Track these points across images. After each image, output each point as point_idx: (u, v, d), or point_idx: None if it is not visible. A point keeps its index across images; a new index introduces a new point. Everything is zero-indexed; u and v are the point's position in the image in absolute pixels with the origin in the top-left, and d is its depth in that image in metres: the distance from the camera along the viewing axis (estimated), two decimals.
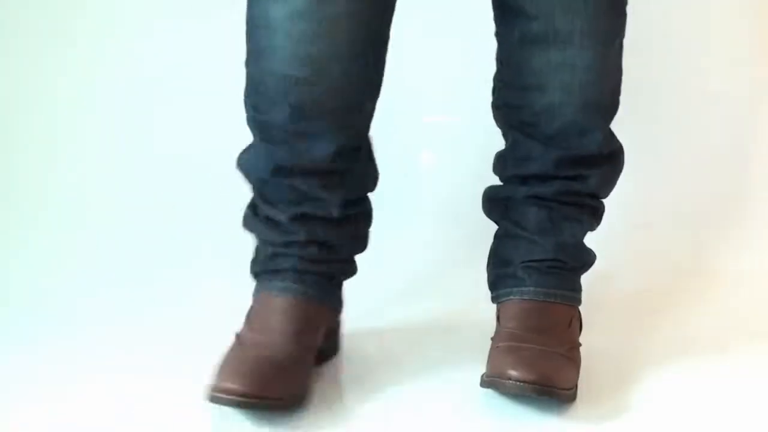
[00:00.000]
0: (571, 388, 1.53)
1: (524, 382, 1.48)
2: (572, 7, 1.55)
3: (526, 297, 1.61)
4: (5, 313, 1.84)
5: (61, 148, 2.22)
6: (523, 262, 1.62)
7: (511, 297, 1.62)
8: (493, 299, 1.66)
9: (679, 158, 2.18)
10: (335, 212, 1.59)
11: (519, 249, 1.63)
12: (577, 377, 1.56)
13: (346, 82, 1.52)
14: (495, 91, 1.65)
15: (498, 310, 1.63)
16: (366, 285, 1.82)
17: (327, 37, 1.49)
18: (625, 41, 1.61)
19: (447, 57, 2.17)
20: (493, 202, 1.67)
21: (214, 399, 1.47)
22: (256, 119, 1.56)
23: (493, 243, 1.68)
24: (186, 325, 1.61)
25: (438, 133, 2.20)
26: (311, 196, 1.58)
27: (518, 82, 1.59)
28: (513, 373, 1.49)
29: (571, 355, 1.57)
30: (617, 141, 1.65)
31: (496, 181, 1.69)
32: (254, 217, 1.62)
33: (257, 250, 1.63)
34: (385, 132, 1.94)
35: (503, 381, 1.49)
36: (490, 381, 1.51)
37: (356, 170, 1.60)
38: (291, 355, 1.52)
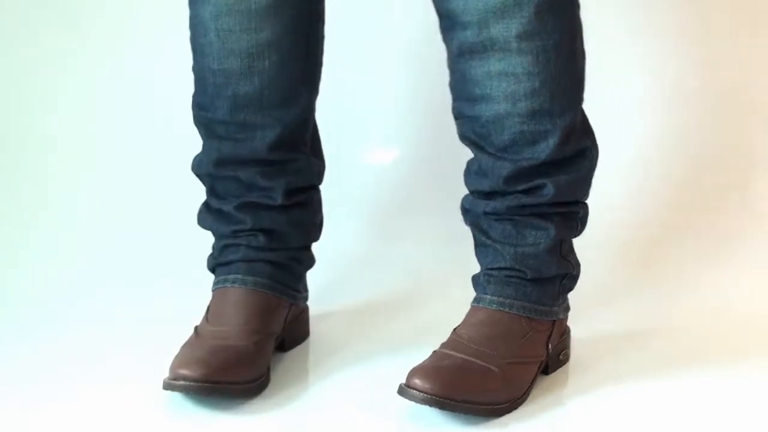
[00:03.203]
0: (481, 403, 1.49)
1: (423, 392, 1.46)
2: (506, 12, 1.49)
3: (482, 305, 1.59)
4: (4, 314, 1.85)
5: (61, 149, 2.22)
6: (486, 270, 1.61)
7: (473, 303, 1.60)
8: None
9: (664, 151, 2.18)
10: (279, 200, 1.63)
11: (487, 256, 1.61)
12: (510, 392, 1.52)
13: (278, 73, 1.58)
14: (453, 101, 1.59)
15: None
16: (340, 272, 1.92)
17: (254, 30, 1.56)
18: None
19: (425, 55, 2.16)
20: (466, 212, 1.64)
21: (169, 386, 1.49)
22: (200, 117, 1.62)
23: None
24: (186, 326, 1.64)
25: (413, 131, 2.21)
26: (255, 185, 1.63)
27: (465, 93, 1.55)
28: (417, 382, 1.47)
29: (506, 369, 1.52)
30: (582, 139, 1.58)
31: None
32: (207, 212, 1.67)
33: (213, 246, 1.68)
34: (366, 129, 1.98)
35: (409, 390, 1.48)
36: (399, 388, 1.49)
37: (299, 161, 1.64)
38: (245, 343, 1.55)
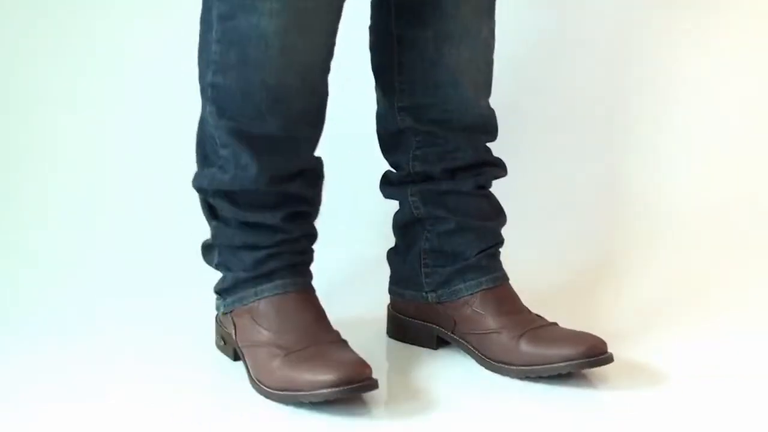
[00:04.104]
0: None
1: (573, 359, 1.54)
2: (480, 7, 1.63)
3: (498, 283, 1.66)
4: (7, 316, 1.86)
5: (62, 150, 2.23)
6: (480, 252, 1.67)
7: (482, 287, 1.66)
8: (449, 295, 1.67)
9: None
10: (318, 204, 1.64)
11: (472, 240, 1.67)
12: None
13: (320, 85, 1.57)
14: (395, 93, 1.66)
15: (462, 304, 1.66)
16: (340, 273, 1.98)
17: (312, 48, 1.52)
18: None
19: None
20: (435, 199, 1.69)
21: (316, 397, 1.47)
22: (238, 129, 1.55)
23: (430, 242, 1.69)
24: (186, 325, 1.65)
25: None
26: (301, 195, 1.61)
27: (430, 79, 1.64)
28: (566, 352, 1.54)
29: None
30: None
31: None
32: (230, 228, 1.61)
33: (228, 264, 1.63)
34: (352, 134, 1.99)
35: (556, 364, 1.54)
36: (541, 369, 1.55)
37: (320, 160, 1.65)
38: (335, 340, 1.55)
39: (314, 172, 1.63)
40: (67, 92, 2.23)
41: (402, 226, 1.73)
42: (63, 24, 2.23)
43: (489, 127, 1.69)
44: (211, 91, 1.55)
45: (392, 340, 1.76)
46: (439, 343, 1.70)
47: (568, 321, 1.66)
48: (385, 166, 1.75)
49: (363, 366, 1.48)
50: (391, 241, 1.77)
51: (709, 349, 1.71)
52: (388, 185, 1.74)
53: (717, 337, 1.76)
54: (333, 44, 1.55)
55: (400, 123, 1.67)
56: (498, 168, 1.71)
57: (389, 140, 1.71)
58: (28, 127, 2.23)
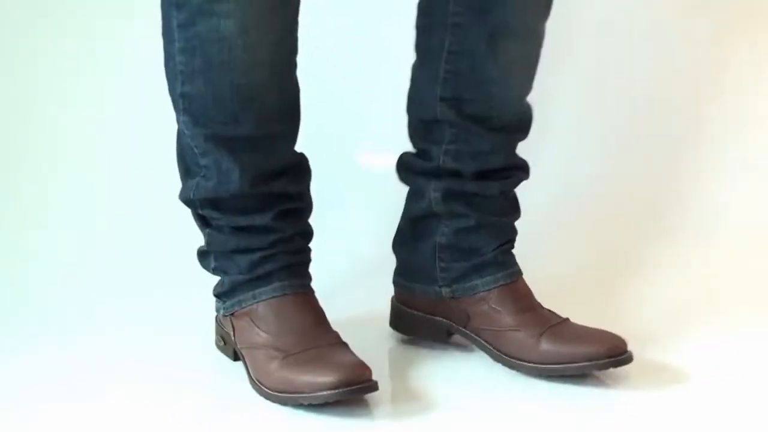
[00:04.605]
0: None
1: (595, 359, 1.53)
2: (539, 3, 1.61)
3: (514, 279, 1.66)
4: (7, 316, 1.86)
5: (62, 150, 2.22)
6: (497, 248, 1.66)
7: (499, 283, 1.65)
8: (465, 290, 1.66)
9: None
10: (309, 200, 1.63)
11: (489, 236, 1.66)
12: None
13: (289, 81, 1.56)
14: (438, 82, 1.63)
15: (478, 300, 1.65)
16: (339, 274, 1.96)
17: (276, 43, 1.52)
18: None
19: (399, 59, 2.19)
20: (458, 197, 1.67)
21: (315, 399, 1.47)
22: (214, 135, 1.55)
23: (447, 237, 1.68)
24: (186, 325, 1.65)
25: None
26: (288, 193, 1.61)
27: (479, 74, 1.61)
28: (588, 350, 1.53)
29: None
30: None
31: None
32: (223, 234, 1.61)
33: (224, 269, 1.63)
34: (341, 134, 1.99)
35: (578, 364, 1.53)
36: (563, 368, 1.54)
37: (304, 156, 1.64)
38: (334, 342, 1.55)
39: (299, 168, 1.62)
40: (67, 92, 2.23)
41: (415, 217, 1.71)
42: (63, 24, 2.23)
43: (524, 125, 1.67)
44: (182, 101, 1.55)
45: (393, 341, 1.75)
46: (445, 337, 1.70)
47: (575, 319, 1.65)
48: (386, 163, 1.74)
49: (363, 368, 1.48)
50: (390, 240, 1.77)
51: (730, 349, 1.70)
52: (407, 170, 1.71)
53: (736, 335, 1.75)
54: (295, 40, 1.55)
55: (439, 114, 1.64)
56: (523, 171, 1.69)
57: (421, 126, 1.68)
58: (28, 127, 2.23)
